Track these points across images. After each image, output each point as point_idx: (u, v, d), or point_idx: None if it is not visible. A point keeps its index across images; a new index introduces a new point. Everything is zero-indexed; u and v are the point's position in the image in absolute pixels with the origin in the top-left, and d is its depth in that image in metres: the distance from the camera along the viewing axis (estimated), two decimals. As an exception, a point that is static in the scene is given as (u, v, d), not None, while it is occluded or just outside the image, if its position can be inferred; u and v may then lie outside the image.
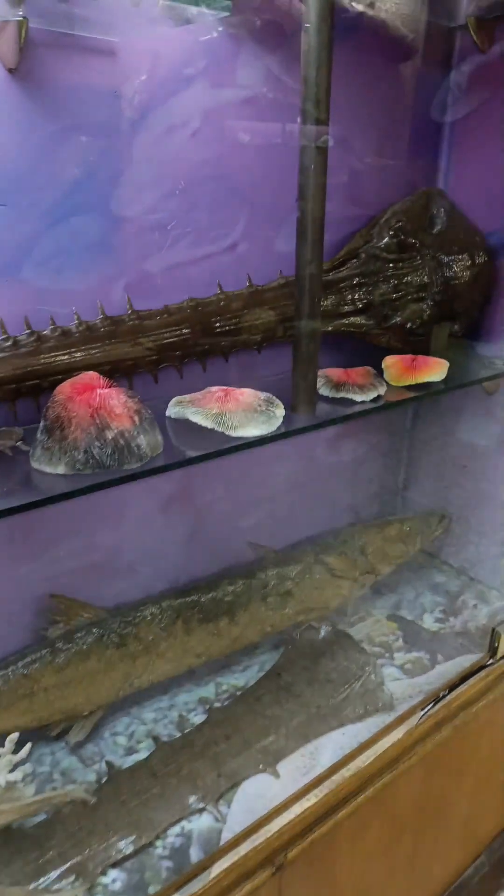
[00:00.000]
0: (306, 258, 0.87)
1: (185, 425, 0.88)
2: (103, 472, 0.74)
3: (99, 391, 0.76)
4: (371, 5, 1.04)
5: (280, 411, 0.90)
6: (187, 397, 0.93)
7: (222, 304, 0.99)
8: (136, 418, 0.77)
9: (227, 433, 0.85)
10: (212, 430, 0.85)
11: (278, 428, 0.88)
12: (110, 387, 0.79)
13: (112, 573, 1.06)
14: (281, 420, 0.89)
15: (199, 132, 0.92)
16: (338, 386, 1.02)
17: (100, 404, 0.75)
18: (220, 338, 0.99)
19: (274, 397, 0.94)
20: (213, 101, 0.92)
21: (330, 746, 0.98)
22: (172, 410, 0.89)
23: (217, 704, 1.07)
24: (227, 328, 0.99)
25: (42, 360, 0.84)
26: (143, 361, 0.93)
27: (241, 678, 1.13)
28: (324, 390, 1.02)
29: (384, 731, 1.01)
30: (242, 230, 1.01)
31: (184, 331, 0.95)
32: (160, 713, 1.05)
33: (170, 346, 0.94)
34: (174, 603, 1.05)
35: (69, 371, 0.86)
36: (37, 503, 0.67)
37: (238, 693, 1.09)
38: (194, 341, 0.97)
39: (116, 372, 0.91)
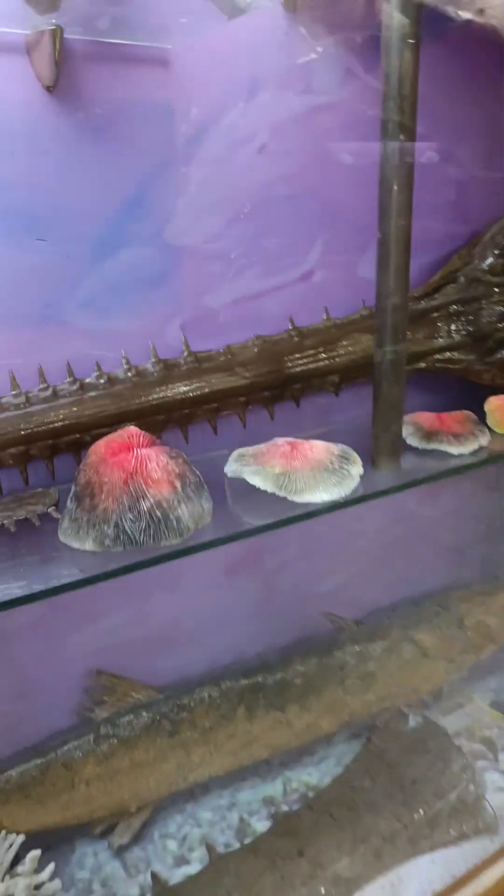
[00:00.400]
0: (388, 287, 0.72)
1: (244, 484, 0.74)
2: (136, 551, 0.62)
3: (136, 451, 0.65)
4: (481, 12, 0.89)
5: (356, 469, 0.75)
6: (250, 450, 0.80)
7: (294, 341, 0.86)
8: (178, 484, 0.65)
9: (290, 498, 0.71)
10: (273, 494, 0.71)
11: (354, 490, 0.73)
12: (151, 445, 0.67)
13: (167, 646, 0.93)
14: (357, 480, 0.74)
15: (268, 147, 0.80)
16: (429, 435, 0.85)
17: (135, 468, 0.63)
18: (292, 380, 0.86)
19: (350, 451, 0.79)
20: (283, 111, 0.80)
21: (416, 878, 0.80)
22: (231, 468, 0.76)
23: (284, 807, 0.92)
24: (299, 369, 0.86)
25: (85, 411, 0.74)
26: (200, 410, 0.81)
27: (314, 773, 0.97)
28: (412, 440, 0.85)
29: (487, 862, 0.82)
30: (319, 256, 0.87)
31: (248, 374, 0.82)
32: (218, 813, 0.91)
33: (232, 392, 0.82)
34: (236, 685, 0.91)
35: (117, 423, 0.75)
36: (36, 595, 0.56)
37: (309, 793, 0.94)
38: (261, 385, 0.84)
39: (170, 422, 0.79)
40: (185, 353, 0.80)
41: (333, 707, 0.95)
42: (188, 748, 0.87)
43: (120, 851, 0.85)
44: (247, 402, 0.84)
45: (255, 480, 0.72)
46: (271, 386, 0.84)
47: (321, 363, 0.87)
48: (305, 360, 0.86)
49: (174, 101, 0.73)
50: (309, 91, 0.81)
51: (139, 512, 0.62)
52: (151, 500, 0.62)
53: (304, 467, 0.74)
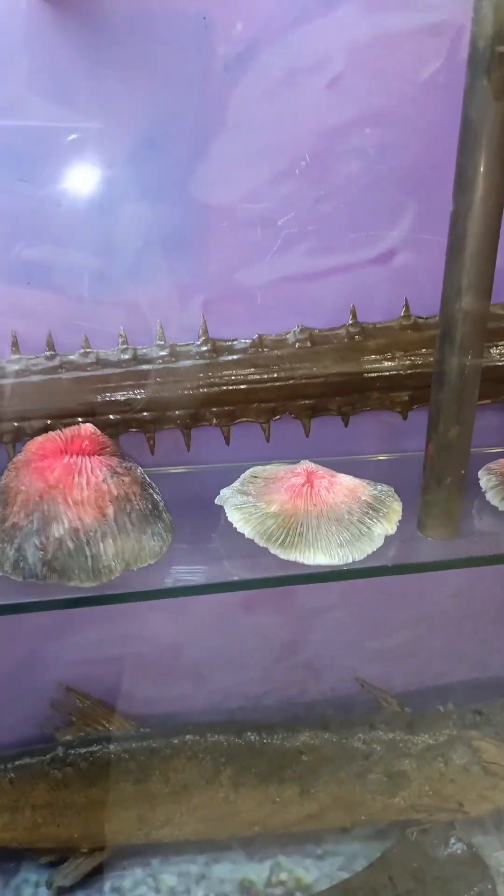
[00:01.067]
0: (459, 281, 0.50)
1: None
2: (36, 585, 0.48)
3: (68, 458, 0.51)
4: None
5: (382, 528, 0.55)
6: (266, 471, 0.63)
7: (354, 339, 0.66)
8: (111, 510, 0.50)
9: (273, 551, 0.53)
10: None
11: (369, 556, 0.53)
12: (99, 451, 0.53)
13: (159, 674, 0.80)
14: (379, 543, 0.54)
15: (342, 80, 0.60)
16: (518, 494, 0.62)
17: (57, 480, 0.50)
18: (342, 390, 0.66)
19: (390, 499, 0.59)
20: (369, 30, 0.59)
21: None
22: (225, 493, 0.60)
23: (260, 902, 0.75)
24: (353, 377, 0.66)
25: (62, 395, 0.62)
26: (208, 413, 0.65)
27: (311, 869, 0.79)
28: (493, 496, 0.62)
29: None
30: (403, 232, 0.66)
31: (281, 374, 0.65)
32: (183, 882, 0.77)
33: (255, 395, 0.65)
34: (225, 741, 0.76)
35: (96, 413, 0.62)
36: None
37: (297, 894, 0.76)
38: (297, 391, 0.65)
39: (167, 423, 0.65)
40: (202, 339, 0.64)
41: (345, 802, 0.76)
42: (154, 802, 0.74)
43: (59, 894, 0.75)
44: (273, 411, 0.66)
45: (235, 518, 0.55)
46: (311, 394, 0.66)
47: (388, 373, 0.66)
48: (367, 367, 0.66)
49: (213, 11, 0.56)
50: (411, 5, 0.59)
51: (47, 538, 0.48)
52: (65, 525, 0.48)
53: (309, 512, 0.56)
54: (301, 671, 0.83)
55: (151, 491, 0.54)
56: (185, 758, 0.75)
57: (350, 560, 0.53)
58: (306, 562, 0.52)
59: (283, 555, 0.52)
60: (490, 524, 0.61)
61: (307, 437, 0.67)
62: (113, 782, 0.74)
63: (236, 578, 0.50)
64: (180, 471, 0.67)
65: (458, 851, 0.77)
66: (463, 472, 0.55)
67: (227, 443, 0.66)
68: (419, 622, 0.83)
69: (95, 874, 0.77)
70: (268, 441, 0.67)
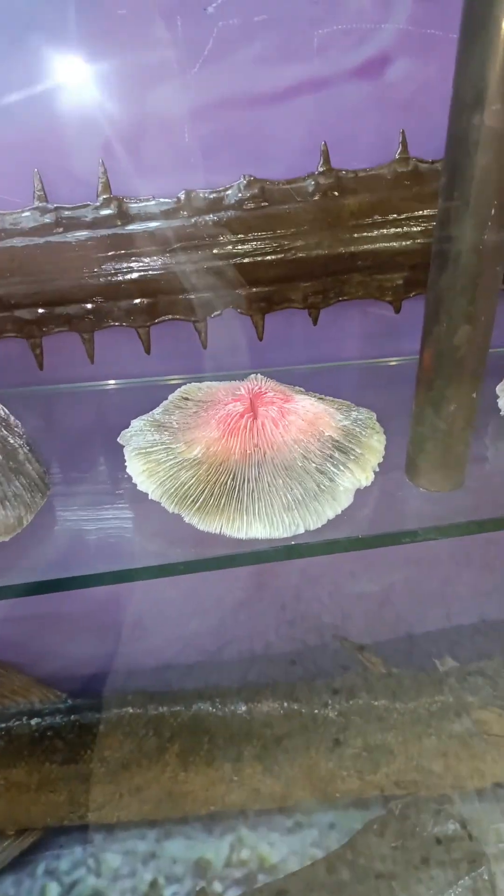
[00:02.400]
0: (479, 82, 0.29)
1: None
2: None
3: None
4: None
5: (348, 481, 0.37)
6: (202, 389, 0.45)
7: (326, 194, 0.45)
8: None
9: (188, 520, 0.36)
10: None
11: (330, 522, 0.36)
12: None
13: (94, 628, 0.66)
14: (346, 501, 0.37)
15: None
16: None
17: None
18: (309, 271, 0.47)
19: (369, 433, 0.41)
20: None
21: None
22: (133, 428, 0.42)
23: (216, 886, 0.65)
24: (325, 252, 0.46)
25: None
26: (115, 308, 0.45)
27: (278, 845, 0.68)
28: (516, 424, 0.44)
29: None
30: (403, 25, 0.43)
31: (220, 249, 0.45)
32: (129, 864, 0.67)
33: (182, 282, 0.45)
34: (170, 712, 0.63)
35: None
36: None
37: (259, 875, 0.66)
38: (242, 275, 0.46)
39: (57, 324, 0.46)
40: (102, 198, 0.44)
41: (315, 779, 0.64)
42: (88, 783, 0.62)
43: (-15, 879, 0.65)
44: (212, 305, 0.46)
45: (137, 471, 0.37)
46: (265, 278, 0.46)
47: (375, 245, 0.46)
48: (344, 236, 0.46)
49: None
50: None
51: None
52: None
53: (247, 457, 0.38)
54: (267, 621, 0.69)
55: (5, 432, 0.36)
56: (121, 733, 0.62)
57: (300, 531, 0.35)
58: (235, 535, 0.35)
59: (201, 525, 0.35)
60: (489, 468, 0.43)
61: (260, 340, 0.48)
62: (37, 763, 0.61)
63: (107, 570, 0.33)
64: (80, 389, 0.49)
65: (450, 831, 0.66)
66: (475, 394, 0.37)
67: (147, 350, 0.47)
68: (404, 566, 0.67)
69: (29, 853, 0.67)
70: (205, 347, 0.48)
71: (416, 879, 0.61)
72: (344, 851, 0.65)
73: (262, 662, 0.71)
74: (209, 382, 0.46)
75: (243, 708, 0.63)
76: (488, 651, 0.72)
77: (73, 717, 0.62)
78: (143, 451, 0.38)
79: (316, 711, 0.63)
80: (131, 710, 0.62)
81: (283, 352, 0.50)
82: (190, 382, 0.46)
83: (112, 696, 0.64)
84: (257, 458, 0.38)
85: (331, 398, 0.45)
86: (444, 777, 0.63)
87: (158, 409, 0.44)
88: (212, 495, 0.36)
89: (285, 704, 0.63)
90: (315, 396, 0.45)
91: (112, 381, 0.49)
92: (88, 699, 0.63)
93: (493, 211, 0.31)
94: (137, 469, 0.37)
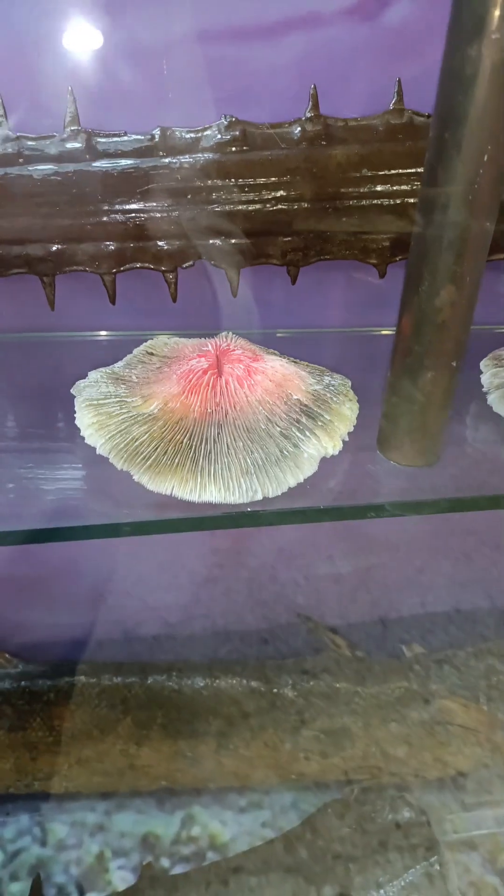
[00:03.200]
0: (483, 8, 0.26)
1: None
2: None
3: None
4: None
5: (313, 448, 0.35)
6: (169, 344, 0.42)
7: (313, 142, 0.42)
8: None
9: (139, 479, 0.33)
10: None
11: (287, 491, 0.34)
12: None
13: (52, 591, 0.64)
14: (310, 469, 0.34)
15: None
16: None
17: None
18: (287, 226, 0.43)
19: (340, 399, 0.38)
20: None
21: None
22: (89, 379, 0.39)
23: (164, 862, 0.63)
24: (307, 205, 0.43)
25: None
26: (79, 252, 0.42)
27: (230, 824, 0.67)
28: (496, 398, 0.42)
29: None
30: (404, -41, 0.40)
31: (195, 195, 0.41)
32: (75, 835, 0.65)
33: (153, 228, 0.42)
34: (124, 682, 0.61)
35: None
36: None
37: (208, 853, 0.64)
38: (217, 224, 0.43)
39: (14, 266, 0.42)
40: (69, 130, 0.40)
41: (273, 760, 0.62)
42: (35, 753, 0.60)
43: None
44: (184, 255, 0.43)
45: (85, 423, 0.35)
46: (242, 230, 0.43)
47: (362, 202, 0.43)
48: (329, 189, 0.43)
49: None
50: None
51: None
52: None
53: (207, 416, 0.35)
54: (231, 596, 0.66)
55: None
56: (73, 703, 0.60)
57: (257, 497, 0.33)
58: (187, 496, 0.32)
59: (151, 484, 0.32)
60: (488, 446, 0.40)
61: (234, 297, 0.45)
62: (-17, 728, 0.59)
63: (40, 527, 0.30)
64: (39, 339, 0.46)
65: (407, 817, 0.65)
66: (455, 363, 0.34)
67: (112, 301, 0.44)
68: (382, 551, 0.65)
69: (-27, 819, 0.65)
70: (174, 300, 0.45)
71: (373, 862, 0.60)
72: (302, 831, 0.63)
73: (235, 639, 0.69)
74: (177, 338, 0.43)
75: (201, 683, 0.61)
76: (460, 641, 0.71)
77: (23, 683, 0.60)
78: (95, 402, 0.35)
79: (275, 691, 0.61)
80: (84, 679, 0.60)
81: (259, 313, 0.47)
82: (157, 336, 0.44)
83: (65, 664, 0.61)
84: (218, 417, 0.35)
85: (305, 363, 0.43)
86: (404, 764, 0.62)
87: (120, 363, 0.41)
88: (164, 454, 0.33)
89: (244, 682, 0.61)
90: (288, 359, 0.42)
91: (75, 333, 0.46)
92: (41, 666, 0.61)
93: (485, 156, 0.28)
94: (86, 422, 0.34)
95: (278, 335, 0.50)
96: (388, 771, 0.63)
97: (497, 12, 0.26)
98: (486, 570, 0.75)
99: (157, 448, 0.33)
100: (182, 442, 0.34)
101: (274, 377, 0.37)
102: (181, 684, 0.61)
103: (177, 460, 0.33)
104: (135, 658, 0.65)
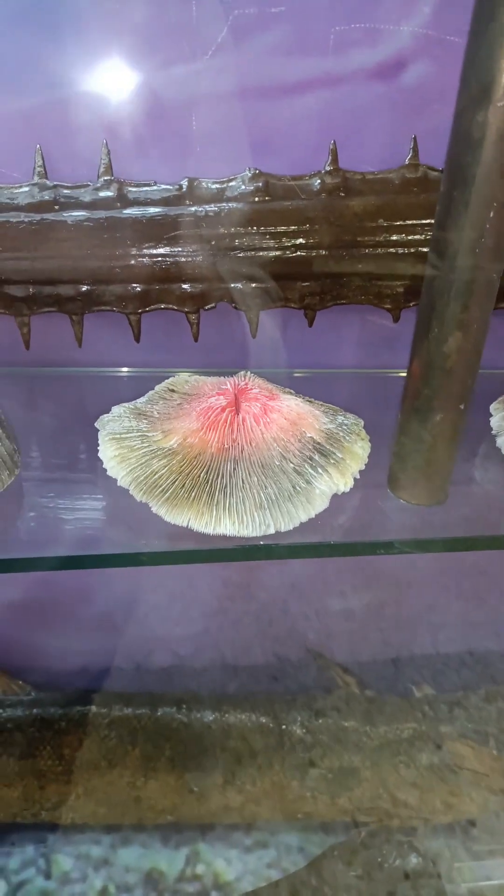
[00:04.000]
0: (486, 76, 0.28)
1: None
2: None
3: None
4: None
5: (325, 485, 0.36)
6: (190, 382, 0.44)
7: (332, 193, 0.44)
8: None
9: (157, 510, 0.34)
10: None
11: (301, 524, 0.35)
12: None
13: (68, 622, 0.65)
14: (321, 505, 0.36)
15: None
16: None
17: None
18: (305, 271, 0.45)
19: (353, 437, 0.39)
20: None
21: None
22: (113, 414, 0.41)
23: (167, 900, 0.63)
24: (325, 252, 0.45)
25: None
26: (107, 293, 0.45)
27: (236, 864, 0.66)
28: (507, 442, 0.43)
29: None
30: (422, 28, 0.43)
31: (219, 241, 0.44)
32: (79, 868, 0.65)
33: (177, 271, 0.44)
34: (135, 715, 0.61)
35: None
36: None
37: (212, 893, 0.64)
38: (239, 268, 0.45)
39: (46, 304, 0.45)
40: (102, 179, 0.43)
41: (279, 797, 0.61)
42: (44, 781, 0.60)
43: None
44: (206, 297, 0.45)
45: (108, 455, 0.36)
46: (262, 274, 0.45)
47: (378, 250, 0.45)
48: (346, 238, 0.45)
49: None
50: None
51: None
52: None
53: (225, 451, 0.37)
54: (243, 631, 0.67)
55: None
56: (83, 732, 0.60)
57: (270, 531, 0.34)
58: (202, 529, 0.34)
59: (168, 516, 0.34)
60: (497, 486, 0.41)
61: (254, 337, 0.47)
62: (-7, 754, 0.60)
63: (56, 555, 0.32)
64: (66, 374, 0.48)
65: (414, 864, 0.64)
66: (462, 406, 0.35)
67: (137, 339, 0.46)
68: (389, 583, 0.65)
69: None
70: (195, 339, 0.47)
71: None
72: (307, 875, 0.62)
73: (244, 674, 0.70)
74: (198, 376, 0.45)
75: (210, 717, 0.61)
76: (472, 683, 0.70)
77: (35, 710, 0.60)
78: (118, 436, 0.37)
79: (284, 727, 0.61)
80: (94, 709, 0.61)
81: (277, 352, 0.49)
82: (179, 374, 0.45)
83: (77, 693, 0.62)
84: (234, 453, 0.36)
85: (320, 402, 0.44)
86: (412, 807, 0.61)
87: (143, 398, 0.43)
88: (182, 487, 0.34)
89: (253, 718, 0.61)
90: (303, 398, 0.43)
91: (100, 369, 0.48)
92: (53, 694, 0.62)
93: (491, 213, 0.30)
94: (109, 454, 0.36)
95: (295, 374, 0.52)
96: (396, 814, 0.62)
97: (503, 81, 0.28)
98: (498, 611, 0.75)
99: (175, 481, 0.35)
100: (199, 476, 0.35)
101: (289, 415, 0.39)
102: (190, 717, 0.61)
103: (194, 493, 0.34)
104: (146, 689, 0.66)
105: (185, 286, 0.44)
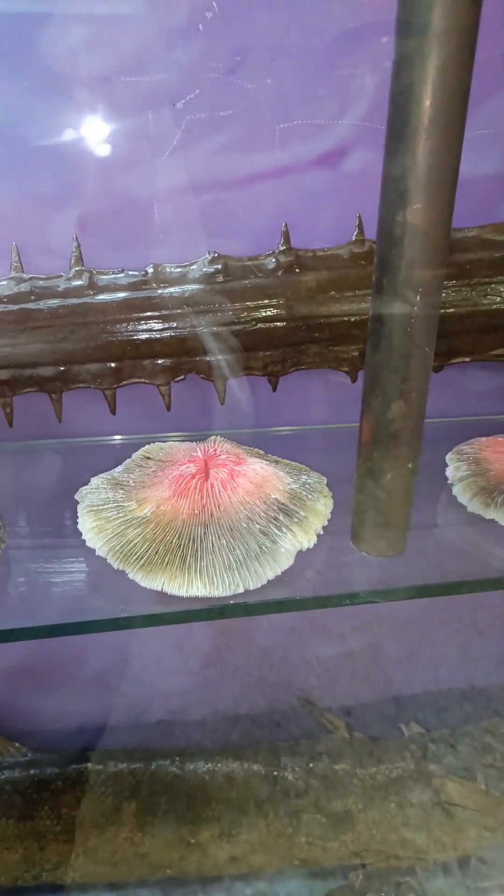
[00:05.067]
0: (401, 183, 0.32)
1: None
2: None
3: None
4: None
5: (289, 543, 0.39)
6: (164, 449, 0.47)
7: (286, 270, 0.48)
8: None
9: (132, 576, 0.37)
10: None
11: (270, 582, 0.37)
12: None
13: (61, 680, 0.66)
14: (287, 561, 0.38)
15: None
16: (494, 490, 0.45)
17: None
18: (267, 341, 0.49)
19: (317, 497, 0.42)
20: None
21: None
22: (91, 485, 0.44)
23: None
24: (284, 324, 0.49)
25: None
26: (83, 371, 0.48)
27: (236, 913, 0.67)
28: (459, 491, 0.46)
29: None
30: (360, 121, 0.47)
31: (184, 319, 0.47)
32: (82, 927, 0.65)
33: (147, 348, 0.48)
34: (130, 770, 0.63)
35: None
36: None
37: None
38: (204, 343, 0.48)
39: (27, 385, 0.48)
40: (74, 269, 0.47)
41: (274, 845, 0.63)
42: (43, 842, 0.61)
43: None
44: (176, 370, 0.49)
45: (87, 527, 0.39)
46: (227, 347, 0.49)
47: (332, 319, 0.49)
48: (302, 310, 0.49)
49: None
50: None
51: None
52: None
53: (195, 517, 0.40)
54: (240, 679, 0.69)
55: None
56: (80, 790, 0.62)
57: (239, 590, 0.37)
58: (177, 592, 0.36)
59: (144, 581, 0.37)
60: (454, 534, 0.44)
61: (222, 404, 0.51)
62: (-7, 817, 0.61)
63: (33, 625, 0.34)
64: (48, 446, 0.51)
65: (413, 904, 0.64)
66: (410, 464, 0.38)
67: (113, 412, 0.50)
68: (371, 628, 0.68)
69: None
70: (168, 409, 0.50)
71: None
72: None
73: (246, 722, 0.71)
74: (172, 443, 0.48)
75: (202, 768, 0.62)
76: (475, 718, 0.72)
77: (31, 771, 0.62)
78: (95, 508, 0.40)
79: (275, 774, 0.63)
80: (90, 767, 0.62)
81: (245, 415, 0.53)
82: (153, 443, 0.49)
83: (73, 752, 0.63)
84: (204, 518, 0.39)
85: (287, 462, 0.47)
86: (406, 846, 0.62)
87: (120, 468, 0.46)
88: (156, 553, 0.37)
89: (245, 766, 0.63)
90: (271, 460, 0.47)
91: (80, 439, 0.51)
92: (49, 754, 0.63)
93: (418, 297, 0.34)
94: (87, 526, 0.39)
95: (267, 434, 0.55)
96: (391, 854, 0.63)
97: (414, 188, 0.32)
98: (498, 644, 0.77)
99: (149, 548, 0.37)
100: (172, 542, 0.38)
101: (254, 479, 0.42)
102: (184, 770, 0.62)
103: (167, 559, 0.37)
104: (143, 743, 0.67)
105: (157, 361, 0.48)
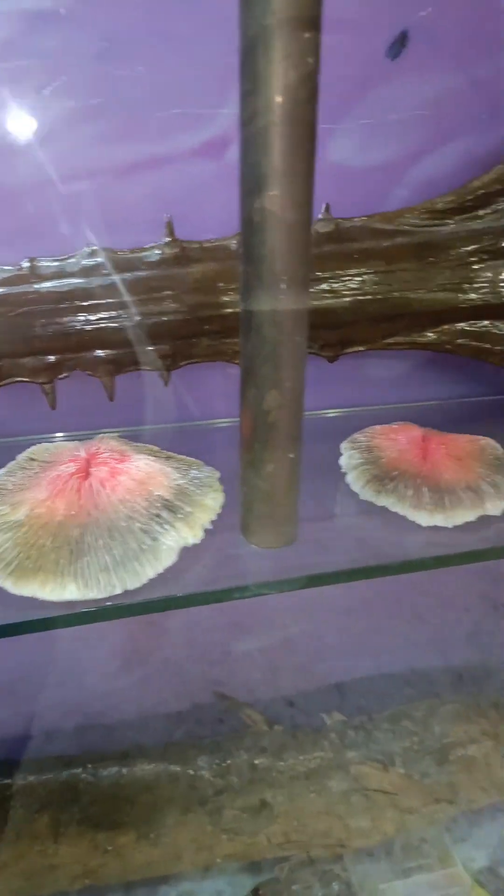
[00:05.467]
0: (256, 171, 0.31)
1: None
2: None
3: None
4: None
5: (172, 540, 0.38)
6: (49, 450, 0.45)
7: (171, 262, 0.47)
8: None
9: (4, 586, 0.36)
10: (-17, 565, 0.36)
11: (149, 583, 0.37)
12: None
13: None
14: (170, 559, 0.37)
15: None
16: (385, 477, 0.45)
17: None
18: (154, 335, 0.48)
19: (202, 491, 0.42)
20: None
21: None
22: (-30, 487, 0.42)
23: None
24: (171, 317, 0.48)
25: None
26: None
27: (162, 916, 0.66)
28: (353, 479, 0.46)
29: None
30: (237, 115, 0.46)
31: (65, 315, 0.46)
32: None
33: (26, 345, 0.46)
34: (39, 780, 0.61)
35: None
36: None
37: None
38: (89, 339, 0.47)
39: None
40: None
41: (193, 843, 0.62)
42: (-48, 861, 0.59)
43: None
44: (58, 367, 0.47)
45: (-45, 531, 0.37)
46: (112, 341, 0.47)
47: (221, 311, 0.48)
48: (189, 301, 0.48)
49: None
50: None
51: None
52: None
53: (71, 518, 0.38)
54: (149, 681, 0.68)
55: None
56: (-10, 805, 0.59)
57: (117, 591, 0.36)
58: (48, 597, 0.35)
59: (14, 589, 0.35)
60: (347, 522, 0.44)
61: (111, 401, 0.49)
62: None
63: None
64: None
65: (337, 891, 0.65)
66: (292, 455, 0.38)
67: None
68: (335, 617, 0.68)
69: None
70: (53, 407, 0.48)
71: None
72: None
73: (191, 721, 0.70)
74: (59, 443, 0.47)
75: (116, 772, 0.61)
76: (416, 701, 0.72)
77: None
78: (-35, 512, 0.38)
79: (191, 773, 0.62)
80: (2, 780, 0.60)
81: (141, 411, 0.51)
82: (39, 444, 0.47)
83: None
84: (80, 518, 0.38)
85: (181, 457, 0.46)
86: (328, 835, 0.63)
87: (2, 470, 0.44)
88: (28, 558, 0.36)
89: (161, 767, 0.62)
90: (163, 456, 0.45)
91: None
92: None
93: (283, 285, 0.33)
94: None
95: (169, 430, 0.54)
96: (314, 844, 0.63)
97: (270, 175, 0.31)
98: (437, 628, 0.78)
99: (20, 553, 0.36)
100: (45, 545, 0.36)
101: (137, 476, 0.41)
102: (97, 775, 0.61)
103: (39, 563, 0.36)
104: (58, 752, 0.65)
105: (39, 358, 0.46)
